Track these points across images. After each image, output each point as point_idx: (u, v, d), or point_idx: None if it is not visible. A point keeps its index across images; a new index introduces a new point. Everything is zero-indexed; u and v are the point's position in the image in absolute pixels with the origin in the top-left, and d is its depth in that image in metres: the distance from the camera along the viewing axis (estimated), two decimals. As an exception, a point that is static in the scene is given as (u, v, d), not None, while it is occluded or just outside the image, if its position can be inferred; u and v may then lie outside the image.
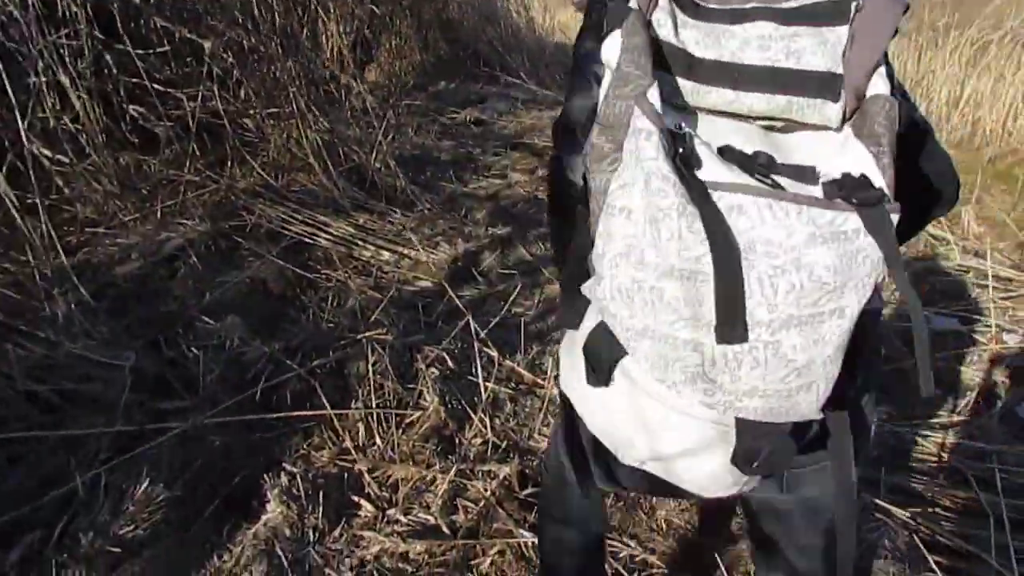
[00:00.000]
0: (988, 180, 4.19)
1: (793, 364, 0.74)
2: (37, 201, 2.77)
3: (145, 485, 1.88)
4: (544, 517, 1.47)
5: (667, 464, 0.87)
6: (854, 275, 0.73)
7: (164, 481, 1.93)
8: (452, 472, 2.11)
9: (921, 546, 1.84)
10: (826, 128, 0.82)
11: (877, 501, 1.96)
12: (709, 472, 0.85)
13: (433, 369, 2.43)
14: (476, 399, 2.37)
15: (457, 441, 2.26)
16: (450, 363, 2.47)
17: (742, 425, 0.77)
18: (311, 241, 3.37)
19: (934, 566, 1.82)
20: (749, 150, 0.80)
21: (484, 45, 7.14)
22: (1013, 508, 2.08)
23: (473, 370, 2.45)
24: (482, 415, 2.30)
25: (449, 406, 2.32)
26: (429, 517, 2.00)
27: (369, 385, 2.30)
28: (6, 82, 2.85)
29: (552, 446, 1.32)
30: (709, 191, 0.71)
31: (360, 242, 3.43)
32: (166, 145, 3.63)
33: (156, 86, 3.60)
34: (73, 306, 2.53)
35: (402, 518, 1.98)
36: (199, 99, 3.62)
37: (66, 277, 2.69)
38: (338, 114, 4.24)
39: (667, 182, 0.71)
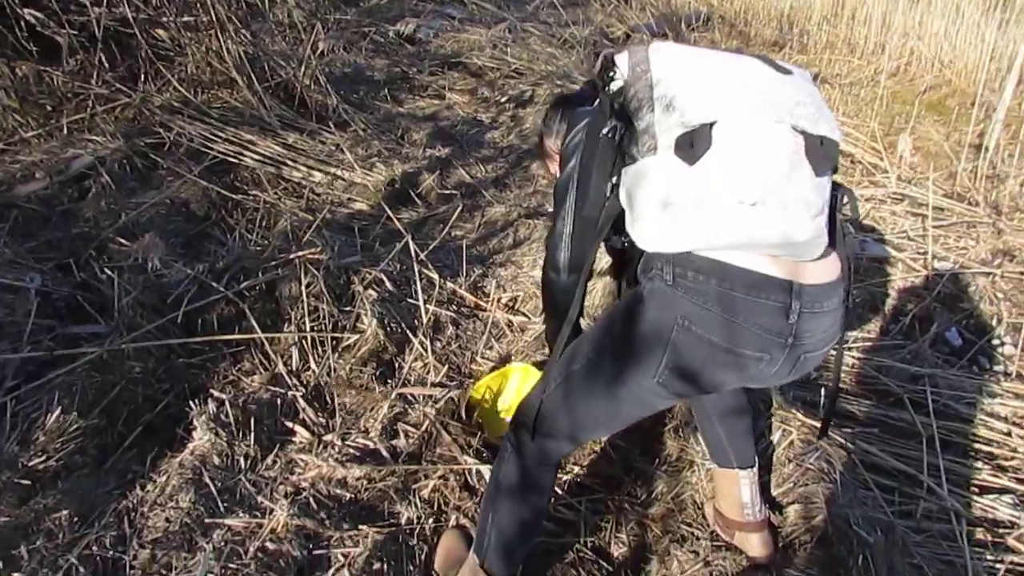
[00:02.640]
0: (923, 111, 4.23)
1: None
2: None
3: (57, 414, 1.74)
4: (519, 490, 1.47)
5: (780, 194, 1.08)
6: None
7: (78, 409, 1.79)
8: (392, 396, 2.03)
9: (860, 466, 1.87)
10: None
11: (816, 424, 1.97)
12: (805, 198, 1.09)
13: (371, 291, 2.32)
14: (416, 322, 2.28)
15: (397, 365, 2.18)
16: (388, 285, 2.36)
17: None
18: (236, 160, 3.15)
19: (872, 486, 1.86)
20: None
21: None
22: (944, 429, 2.14)
23: (413, 292, 2.35)
24: (422, 338, 2.22)
25: (388, 329, 2.23)
26: (368, 442, 1.93)
27: (303, 308, 2.19)
28: None
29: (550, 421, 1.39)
30: None
31: (290, 162, 3.23)
32: (69, 55, 3.30)
33: (56, -12, 3.25)
34: (-31, 227, 2.31)
35: (339, 443, 1.90)
36: (104, 4, 3.30)
37: (-40, 196, 2.45)
38: (262, 25, 3.94)
39: None
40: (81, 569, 1.49)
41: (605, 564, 1.75)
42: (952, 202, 3.28)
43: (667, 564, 1.72)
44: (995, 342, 2.57)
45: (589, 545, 1.79)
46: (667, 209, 1.11)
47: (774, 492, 1.84)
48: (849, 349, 2.46)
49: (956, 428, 2.16)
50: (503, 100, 4.24)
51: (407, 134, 3.73)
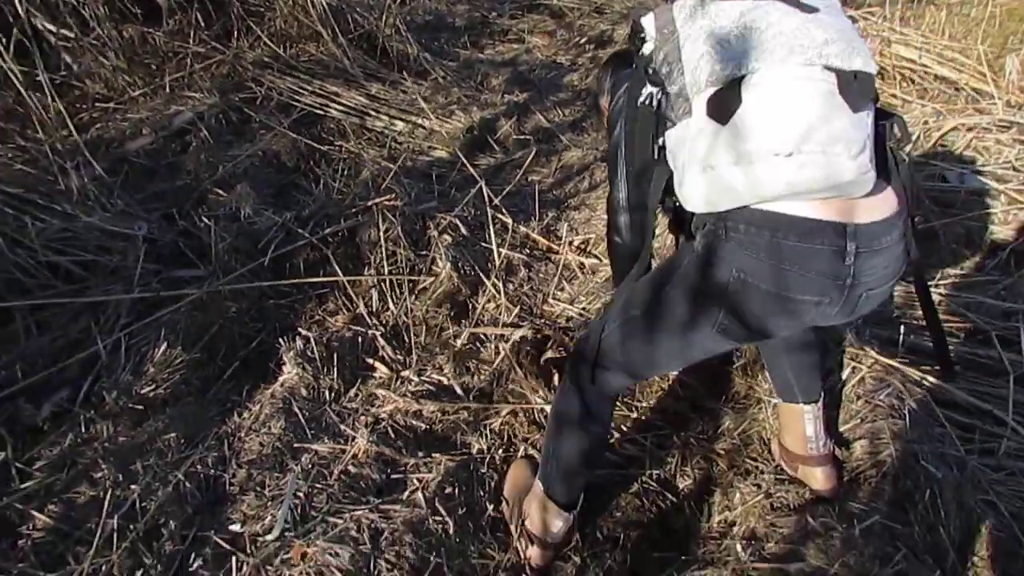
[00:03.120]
0: (1042, 28, 3.87)
1: None
2: (43, 79, 2.72)
3: (164, 348, 1.94)
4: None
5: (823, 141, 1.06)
6: None
7: (183, 345, 1.98)
8: (465, 336, 2.13)
9: (931, 402, 1.83)
10: None
11: (891, 363, 1.93)
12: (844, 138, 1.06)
13: (446, 236, 2.41)
14: (490, 265, 2.36)
15: (470, 306, 2.27)
16: (463, 230, 2.44)
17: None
18: (322, 112, 3.29)
19: (943, 421, 1.82)
20: None
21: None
22: (1035, 365, 2.05)
23: (487, 237, 2.42)
24: (495, 280, 2.29)
25: (462, 272, 2.32)
26: (443, 378, 2.04)
27: (381, 252, 2.30)
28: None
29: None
30: None
31: (373, 112, 3.34)
32: (169, 16, 3.50)
33: (154, -49, 3.44)
34: (88, 181, 2.53)
35: (416, 379, 2.02)
36: (199, -35, 3.47)
37: (79, 153, 2.68)
38: (346, -23, 4.02)
39: None
40: (188, 484, 1.68)
41: (669, 495, 1.81)
42: (1066, 129, 3.03)
43: (729, 496, 1.76)
44: (1106, 276, 2.40)
45: (654, 477, 1.85)
46: (706, 172, 1.14)
47: (841, 428, 1.83)
48: (935, 286, 2.36)
49: (1049, 367, 2.06)
50: (583, 41, 4.18)
51: (486, 80, 3.76)
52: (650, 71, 1.23)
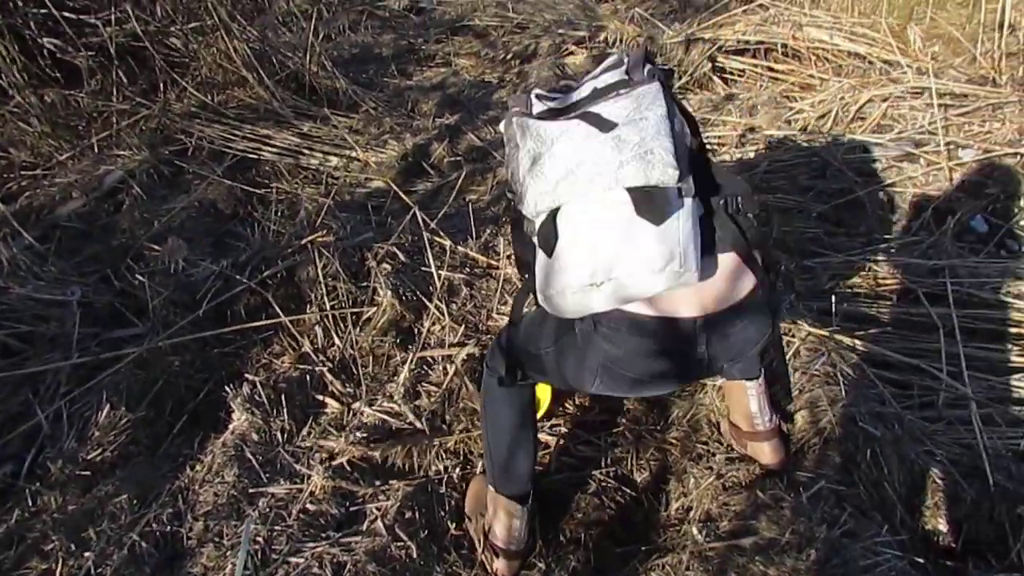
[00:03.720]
0: (944, -5, 4.02)
1: None
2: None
3: (107, 410, 1.92)
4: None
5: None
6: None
7: (127, 405, 1.97)
8: (413, 360, 2.14)
9: (865, 366, 1.89)
10: None
11: (822, 332, 1.99)
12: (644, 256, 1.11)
13: (385, 265, 2.42)
14: (431, 288, 2.38)
15: (416, 331, 2.29)
16: (402, 257, 2.46)
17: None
18: (256, 156, 3.29)
19: (880, 385, 1.88)
20: None
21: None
22: (964, 317, 2.13)
23: (426, 261, 2.44)
24: (438, 303, 2.31)
25: (404, 298, 2.33)
26: (394, 405, 2.05)
27: (321, 289, 2.31)
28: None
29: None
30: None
31: (307, 151, 3.35)
32: (90, 76, 3.48)
33: (67, 14, 3.43)
34: (18, 251, 2.51)
35: (367, 409, 2.03)
36: (114, 23, 3.46)
37: (7, 224, 2.65)
38: (266, 20, 4.04)
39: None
40: (144, 544, 1.66)
41: (628, 490, 1.85)
42: (974, 87, 3.16)
43: (684, 482, 1.81)
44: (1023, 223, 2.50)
45: (611, 475, 1.88)
46: (546, 300, 1.22)
47: (782, 401, 1.88)
48: (861, 253, 2.44)
49: (978, 315, 2.16)
50: (508, 57, 4.25)
51: (416, 106, 3.80)
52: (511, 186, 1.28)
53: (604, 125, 1.16)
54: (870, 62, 3.52)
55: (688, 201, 1.14)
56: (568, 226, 1.16)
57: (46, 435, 1.90)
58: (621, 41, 4.19)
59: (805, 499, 1.59)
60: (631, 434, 1.96)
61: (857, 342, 1.99)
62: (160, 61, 3.59)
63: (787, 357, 1.93)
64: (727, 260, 1.24)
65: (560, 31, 4.27)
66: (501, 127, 1.32)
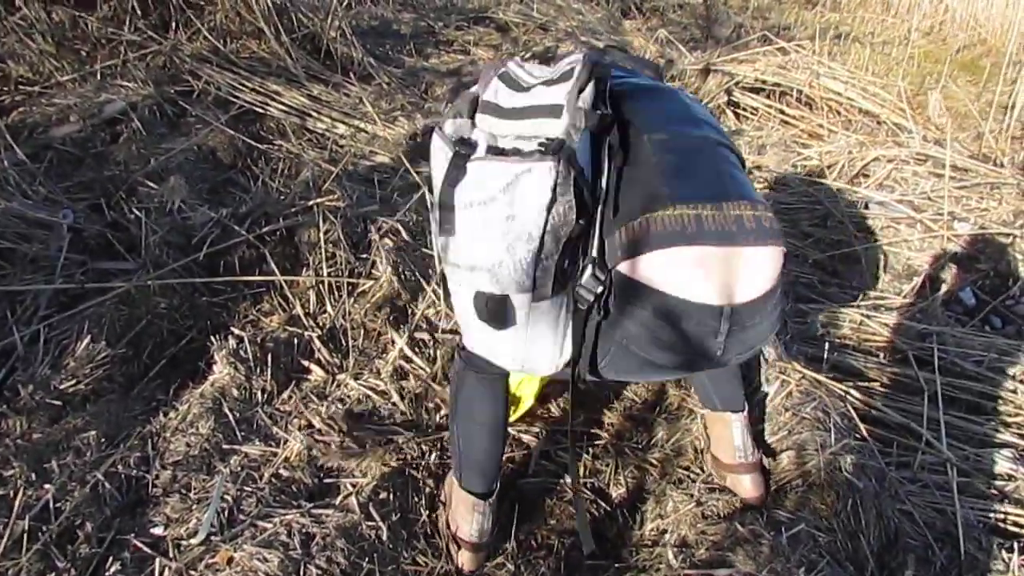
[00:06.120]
0: (955, 70, 4.15)
1: None
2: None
3: (87, 342, 1.85)
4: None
5: None
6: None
7: (107, 339, 1.90)
8: (403, 340, 2.11)
9: (855, 416, 1.91)
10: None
11: (818, 377, 2.01)
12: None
13: (387, 240, 2.38)
14: (430, 271, 2.35)
15: (410, 311, 2.25)
16: (404, 235, 2.42)
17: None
18: (262, 110, 3.22)
19: (865, 434, 1.90)
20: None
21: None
22: (948, 385, 2.17)
23: (428, 243, 2.41)
24: (435, 286, 2.28)
25: (403, 276, 2.29)
26: (379, 382, 2.01)
27: (321, 253, 2.26)
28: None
29: None
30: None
31: (314, 113, 3.29)
32: (103, 1, 3.37)
33: (89, -67, 3.32)
34: (8, 166, 2.41)
35: (352, 382, 1.99)
36: (137, -50, 3.36)
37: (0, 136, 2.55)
38: (291, -25, 3.96)
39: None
40: (107, 485, 1.60)
41: (602, 503, 1.84)
42: (977, 163, 3.24)
43: (662, 504, 1.80)
44: (1009, 302, 2.57)
45: (588, 486, 1.87)
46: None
47: (769, 439, 1.89)
48: (857, 307, 2.48)
49: (961, 385, 2.19)
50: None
51: (430, 88, 3.76)
52: None
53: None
54: (880, 122, 3.60)
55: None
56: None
57: (19, 357, 1.82)
58: (640, 59, 4.21)
59: (784, 539, 1.60)
60: (612, 448, 1.95)
61: (851, 392, 2.01)
62: (178, -1, 3.49)
63: (780, 396, 1.94)
64: (763, 253, 1.23)
65: (582, 38, 4.27)
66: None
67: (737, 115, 3.82)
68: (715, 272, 1.19)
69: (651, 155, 1.27)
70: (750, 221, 1.23)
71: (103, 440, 1.69)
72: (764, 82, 3.78)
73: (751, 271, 1.23)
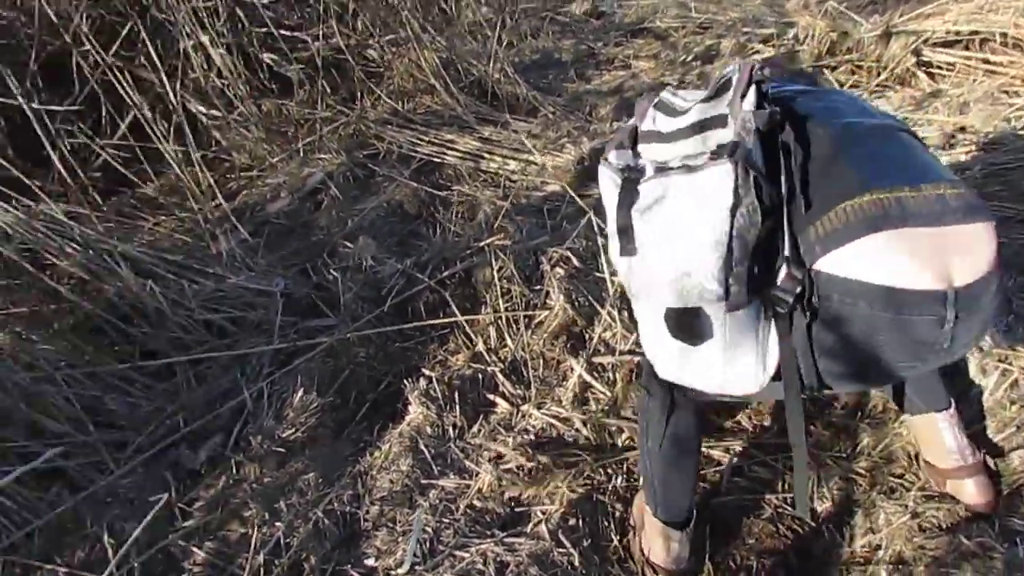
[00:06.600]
0: None
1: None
2: (194, 156, 3.07)
3: (301, 394, 2.09)
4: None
5: None
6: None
7: (318, 390, 2.13)
8: (582, 366, 2.14)
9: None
10: None
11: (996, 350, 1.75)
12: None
13: (558, 269, 2.44)
14: (604, 294, 2.36)
15: (587, 336, 2.28)
16: (575, 262, 2.46)
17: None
18: (440, 160, 3.44)
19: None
20: None
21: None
22: None
23: (599, 266, 2.43)
24: (610, 308, 2.29)
25: (576, 303, 2.33)
26: (562, 410, 2.06)
27: (496, 290, 2.37)
28: (159, 50, 3.13)
29: None
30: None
31: (487, 155, 3.46)
32: (299, 87, 3.82)
33: (283, 32, 3.79)
34: (235, 244, 2.80)
35: (536, 412, 2.05)
36: (322, 38, 3.77)
37: (227, 219, 2.98)
38: (454, 30, 4.22)
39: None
40: (326, 521, 1.79)
41: (806, 519, 1.72)
42: None
43: (872, 518, 1.66)
44: None
45: (788, 501, 1.77)
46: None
47: (994, 437, 1.67)
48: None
49: None
50: (688, 59, 4.13)
51: (594, 110, 3.80)
52: None
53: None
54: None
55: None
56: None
57: (249, 412, 2.11)
58: (812, 37, 3.92)
59: (1021, 551, 1.40)
60: (813, 459, 1.82)
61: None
62: (359, 72, 3.86)
63: (1002, 387, 1.71)
64: (975, 229, 1.13)
65: (745, 29, 4.08)
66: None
67: (931, 75, 3.43)
68: (929, 255, 1.10)
69: (832, 146, 1.21)
70: (953, 199, 1.13)
71: (320, 480, 1.90)
72: (958, 33, 3.36)
73: (966, 250, 1.12)
